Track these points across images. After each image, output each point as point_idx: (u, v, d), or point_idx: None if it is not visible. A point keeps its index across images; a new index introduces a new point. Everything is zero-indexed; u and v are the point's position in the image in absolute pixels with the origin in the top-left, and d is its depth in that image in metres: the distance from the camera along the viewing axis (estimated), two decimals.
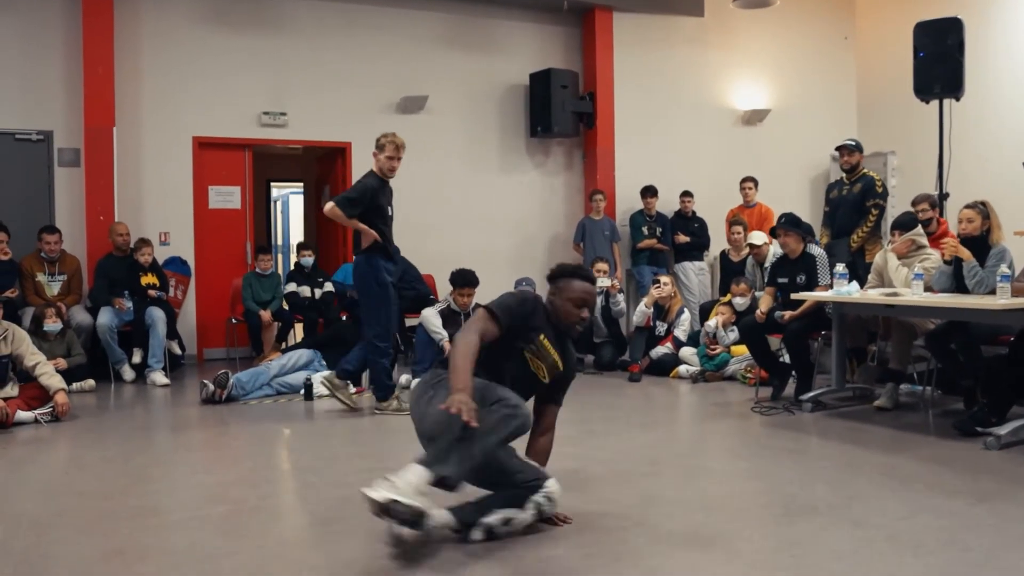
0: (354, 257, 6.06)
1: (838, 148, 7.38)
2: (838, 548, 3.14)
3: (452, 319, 7.10)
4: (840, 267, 5.82)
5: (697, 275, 9.60)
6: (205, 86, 8.58)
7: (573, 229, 9.74)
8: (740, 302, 7.27)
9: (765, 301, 6.46)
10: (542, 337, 3.41)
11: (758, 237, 7.81)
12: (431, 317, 6.98)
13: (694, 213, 9.68)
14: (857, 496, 3.85)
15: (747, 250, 7.99)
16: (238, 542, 3.27)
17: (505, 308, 3.34)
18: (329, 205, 5.77)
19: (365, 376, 6.94)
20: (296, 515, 3.62)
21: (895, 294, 5.49)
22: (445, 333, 6.90)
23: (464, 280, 7.15)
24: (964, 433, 4.98)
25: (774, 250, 7.82)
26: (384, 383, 5.96)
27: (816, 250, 6.34)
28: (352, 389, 6.27)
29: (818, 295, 5.94)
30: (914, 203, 6.84)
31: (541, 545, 3.16)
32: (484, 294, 9.03)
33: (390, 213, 5.91)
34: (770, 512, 3.71)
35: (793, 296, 6.09)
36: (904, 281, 5.82)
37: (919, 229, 6.20)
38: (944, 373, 5.97)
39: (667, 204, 9.71)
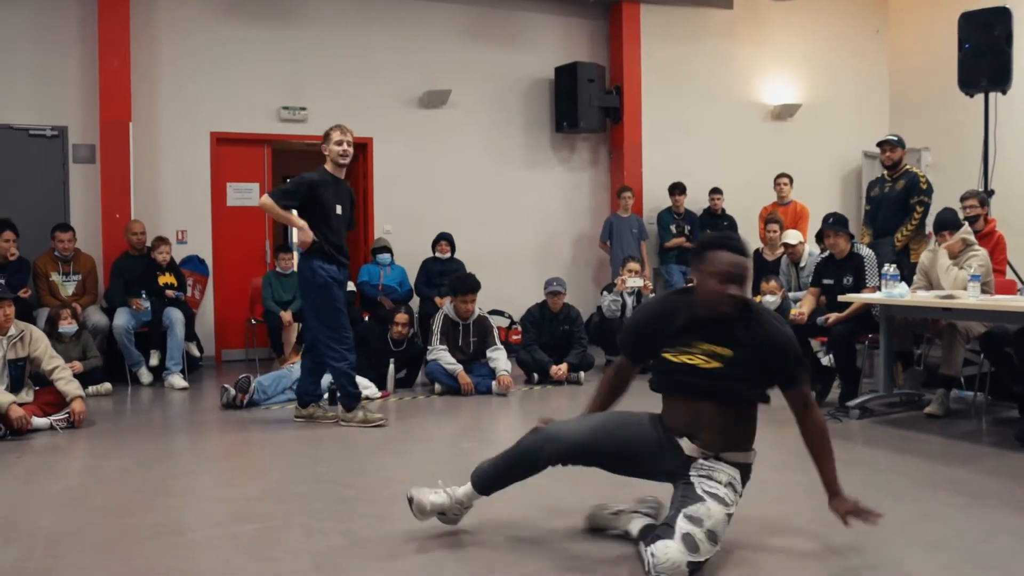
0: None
1: (880, 144, 7.10)
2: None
3: (452, 331, 6.83)
4: (891, 268, 5.54)
5: None
6: (223, 80, 8.36)
7: (599, 226, 9.52)
8: (770, 300, 6.97)
9: (808, 302, 6.19)
10: (686, 343, 3.02)
11: (794, 236, 7.55)
12: (442, 355, 6.71)
13: (723, 211, 9.42)
14: (929, 514, 3.60)
15: (782, 249, 7.72)
16: (269, 565, 3.03)
17: (626, 333, 3.29)
18: (263, 198, 5.34)
19: (390, 379, 6.72)
20: (329, 535, 3.37)
21: (949, 296, 5.23)
22: (459, 366, 6.66)
23: (466, 287, 6.83)
24: None
25: (809, 249, 7.57)
26: (348, 390, 5.47)
27: (865, 250, 6.07)
28: (325, 406, 5.88)
29: (867, 297, 5.67)
30: (962, 199, 6.55)
31: (614, 562, 2.92)
32: (508, 291, 8.93)
33: (339, 212, 5.44)
34: (839, 531, 3.43)
35: (840, 298, 5.82)
36: (955, 282, 5.55)
37: (967, 227, 5.92)
38: (997, 378, 5.71)
39: (696, 201, 9.46)
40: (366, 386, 6.39)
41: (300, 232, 5.26)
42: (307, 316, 5.63)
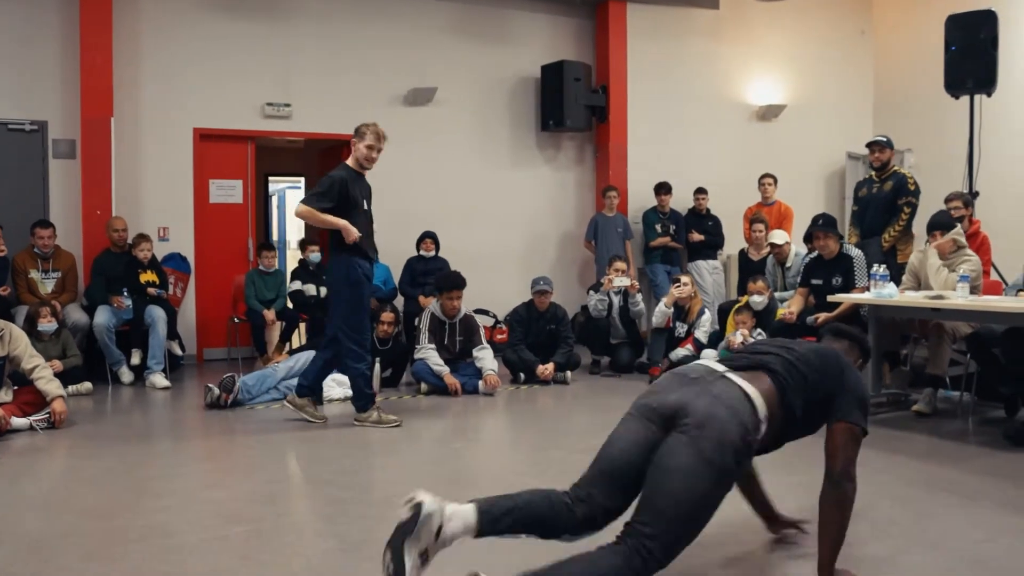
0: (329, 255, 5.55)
1: (869, 144, 7.10)
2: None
3: (439, 330, 6.78)
4: (881, 268, 5.54)
5: (711, 274, 9.34)
6: (207, 76, 8.23)
7: (584, 226, 9.48)
8: (757, 300, 6.96)
9: (796, 302, 6.18)
10: None
11: (780, 236, 7.55)
12: (430, 355, 6.64)
13: (708, 211, 9.41)
14: (926, 514, 3.59)
15: (768, 249, 7.72)
16: (261, 569, 2.97)
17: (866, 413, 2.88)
18: (299, 207, 5.33)
19: (375, 379, 6.63)
20: (322, 536, 3.31)
21: (939, 296, 5.23)
22: (447, 368, 6.59)
23: (451, 283, 6.80)
24: (1015, 443, 4.76)
25: (796, 249, 7.58)
26: (363, 392, 5.44)
27: (854, 251, 6.08)
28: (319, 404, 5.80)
29: (856, 297, 5.67)
30: (946, 200, 6.58)
31: None
32: (493, 290, 8.87)
33: (366, 208, 5.43)
34: None
35: (830, 298, 5.82)
36: (945, 283, 5.56)
37: (959, 228, 5.94)
38: (982, 378, 5.73)
39: (681, 201, 9.44)
40: (341, 382, 6.25)
41: (345, 232, 5.18)
42: (332, 311, 5.50)
